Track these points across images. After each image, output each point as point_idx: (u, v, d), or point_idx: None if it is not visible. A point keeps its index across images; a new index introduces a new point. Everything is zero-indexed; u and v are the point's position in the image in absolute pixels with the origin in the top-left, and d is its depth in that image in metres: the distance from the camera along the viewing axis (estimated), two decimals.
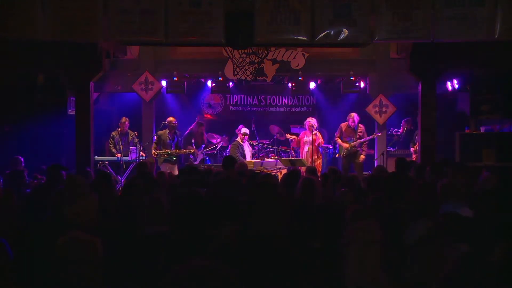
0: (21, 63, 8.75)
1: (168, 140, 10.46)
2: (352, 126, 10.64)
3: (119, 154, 10.25)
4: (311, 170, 7.32)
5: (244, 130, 10.80)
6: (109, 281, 2.85)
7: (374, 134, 10.80)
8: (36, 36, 7.45)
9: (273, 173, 9.41)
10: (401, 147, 11.71)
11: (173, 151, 10.39)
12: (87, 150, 8.74)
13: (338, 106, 12.62)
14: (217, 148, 11.63)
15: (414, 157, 10.56)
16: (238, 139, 10.78)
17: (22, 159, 8.42)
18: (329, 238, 3.89)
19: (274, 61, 10.87)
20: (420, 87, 8.93)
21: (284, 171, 9.51)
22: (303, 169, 8.65)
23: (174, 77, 11.05)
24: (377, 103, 10.91)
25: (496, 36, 7.42)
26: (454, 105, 11.53)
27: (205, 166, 10.42)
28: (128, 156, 10.24)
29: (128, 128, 10.85)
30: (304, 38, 7.48)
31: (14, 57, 8.54)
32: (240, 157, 10.13)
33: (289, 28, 7.43)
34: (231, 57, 9.79)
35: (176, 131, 10.66)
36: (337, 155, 11.17)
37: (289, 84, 11.86)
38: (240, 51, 9.48)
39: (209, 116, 13.34)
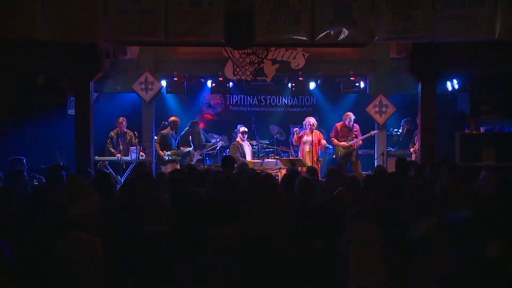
0: (21, 63, 8.73)
1: (171, 140, 10.54)
2: (348, 126, 10.65)
3: (119, 154, 10.25)
4: (311, 170, 7.32)
5: (243, 128, 10.82)
6: (109, 281, 2.85)
7: (372, 132, 10.80)
8: (36, 36, 7.44)
9: (273, 173, 9.41)
10: (401, 147, 11.71)
11: (179, 150, 10.50)
12: (87, 150, 8.73)
13: (338, 106, 12.61)
14: (217, 148, 11.63)
15: (414, 157, 10.56)
16: (238, 139, 10.78)
17: (24, 160, 8.40)
18: (329, 238, 3.89)
19: (274, 61, 10.86)
20: (420, 87, 8.92)
21: (284, 171, 9.51)
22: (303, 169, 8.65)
23: (174, 77, 11.05)
24: (377, 103, 10.91)
25: (496, 36, 7.42)
26: (454, 105, 11.52)
27: (205, 166, 10.43)
28: (128, 156, 10.25)
29: (126, 128, 10.86)
30: (304, 38, 7.48)
31: (14, 57, 8.53)
32: (240, 157, 10.13)
33: (289, 28, 7.43)
34: (231, 57, 9.78)
35: (177, 130, 10.76)
36: (334, 156, 11.17)
37: (289, 84, 11.86)
38: (240, 51, 9.47)
39: (209, 116, 13.34)
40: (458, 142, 9.67)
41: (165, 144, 10.61)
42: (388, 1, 7.39)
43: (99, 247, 2.67)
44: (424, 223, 2.97)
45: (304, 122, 10.76)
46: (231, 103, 13.25)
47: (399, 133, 12.00)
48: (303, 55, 10.87)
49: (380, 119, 10.94)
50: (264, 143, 11.79)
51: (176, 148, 10.70)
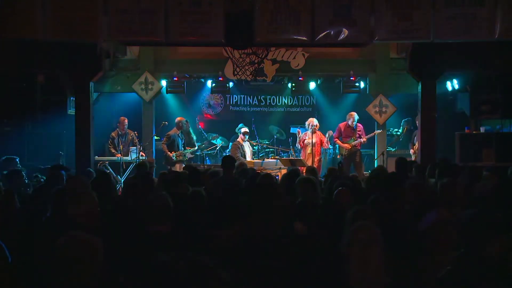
0: (21, 63, 8.74)
1: (178, 140, 10.58)
2: (352, 126, 10.66)
3: (119, 154, 10.25)
4: (311, 170, 7.32)
5: (244, 129, 10.84)
6: (109, 281, 2.84)
7: (376, 131, 10.82)
8: (36, 36, 7.45)
9: (273, 173, 9.41)
10: (401, 147, 11.71)
11: (184, 151, 10.56)
12: (87, 150, 8.74)
13: (338, 106, 12.61)
14: (217, 148, 11.63)
15: (413, 158, 10.55)
16: (239, 139, 10.79)
17: (17, 159, 8.39)
18: (330, 238, 3.88)
19: (274, 61, 10.87)
20: (420, 87, 8.93)
21: (284, 171, 9.51)
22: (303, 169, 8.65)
23: (174, 77, 11.05)
24: (377, 103, 10.91)
25: (496, 36, 7.43)
26: (454, 105, 11.52)
27: (205, 166, 10.43)
28: (128, 156, 10.25)
29: (127, 127, 10.86)
30: (304, 38, 7.48)
31: (14, 57, 8.53)
32: (241, 157, 10.14)
33: (289, 28, 7.43)
34: (231, 57, 9.77)
35: (183, 130, 10.82)
36: (338, 156, 11.16)
37: (289, 84, 11.86)
38: (240, 51, 9.47)
39: (209, 116, 13.34)
40: (458, 142, 9.66)
41: (172, 144, 10.62)
42: (388, 1, 7.39)
43: (99, 247, 2.66)
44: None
45: (306, 123, 10.77)
46: (231, 103, 13.25)
47: (399, 133, 12.01)
48: (303, 55, 10.88)
49: (380, 119, 10.95)
50: (264, 143, 11.79)
51: (182, 148, 10.73)
